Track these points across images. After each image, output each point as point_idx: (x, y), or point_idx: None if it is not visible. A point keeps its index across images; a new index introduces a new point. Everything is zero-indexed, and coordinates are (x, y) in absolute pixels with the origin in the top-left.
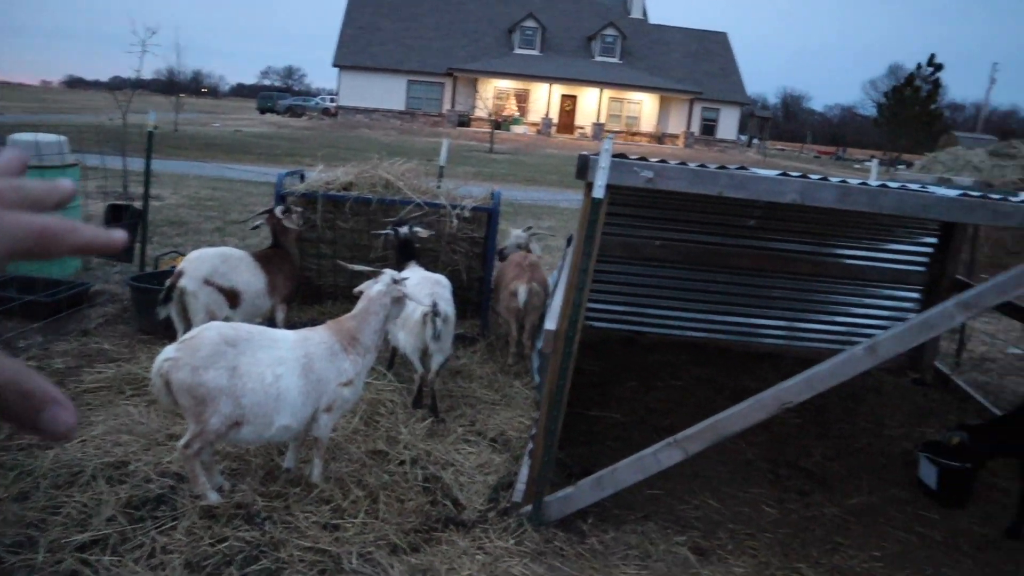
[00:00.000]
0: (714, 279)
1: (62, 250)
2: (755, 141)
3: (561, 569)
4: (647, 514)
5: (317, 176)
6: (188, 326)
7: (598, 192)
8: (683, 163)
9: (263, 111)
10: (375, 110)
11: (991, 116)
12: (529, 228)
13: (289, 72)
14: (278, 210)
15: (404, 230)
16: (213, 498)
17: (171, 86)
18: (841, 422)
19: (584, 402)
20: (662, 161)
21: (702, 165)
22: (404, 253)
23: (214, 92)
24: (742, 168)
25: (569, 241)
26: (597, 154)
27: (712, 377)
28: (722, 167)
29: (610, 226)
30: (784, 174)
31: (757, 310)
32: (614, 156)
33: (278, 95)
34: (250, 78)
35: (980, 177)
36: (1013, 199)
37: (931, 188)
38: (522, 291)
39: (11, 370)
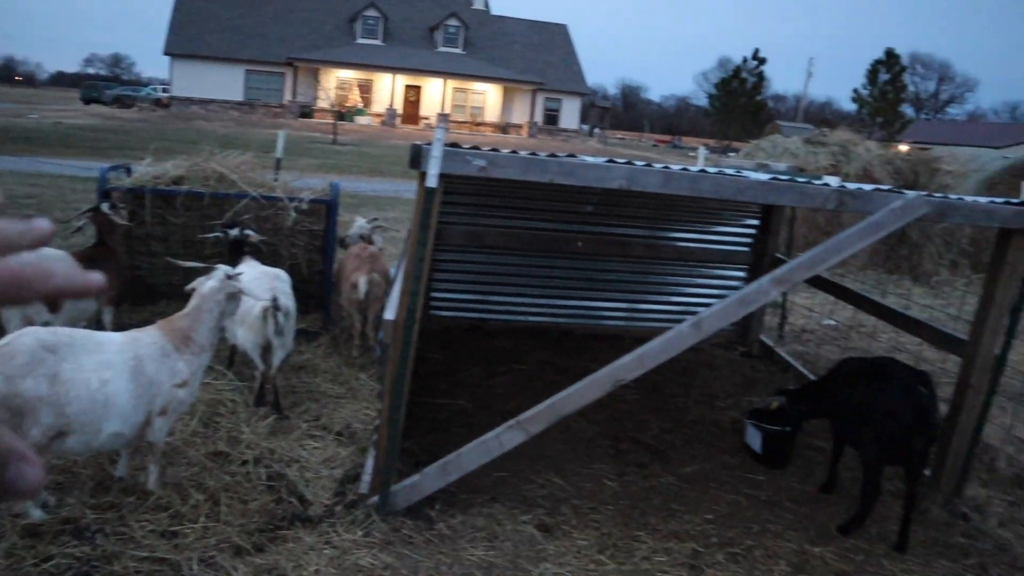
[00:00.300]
0: (555, 264)
1: (33, 296)
2: (596, 130)
3: (410, 556)
4: (494, 496)
5: (145, 170)
6: (0, 334)
7: (431, 181)
8: (515, 151)
9: (88, 101)
10: (211, 101)
11: (809, 107)
12: (374, 220)
13: (116, 60)
14: (105, 206)
15: (234, 232)
16: (36, 515)
17: None
18: (676, 396)
19: (430, 391)
20: (494, 149)
21: (533, 153)
22: (237, 252)
23: (30, 80)
24: (571, 156)
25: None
26: (430, 143)
27: (555, 360)
28: (552, 155)
29: (452, 215)
30: (611, 161)
31: (597, 293)
32: (447, 145)
33: (104, 85)
34: (72, 66)
35: (795, 163)
36: (817, 182)
37: (746, 173)
38: (362, 282)
39: None
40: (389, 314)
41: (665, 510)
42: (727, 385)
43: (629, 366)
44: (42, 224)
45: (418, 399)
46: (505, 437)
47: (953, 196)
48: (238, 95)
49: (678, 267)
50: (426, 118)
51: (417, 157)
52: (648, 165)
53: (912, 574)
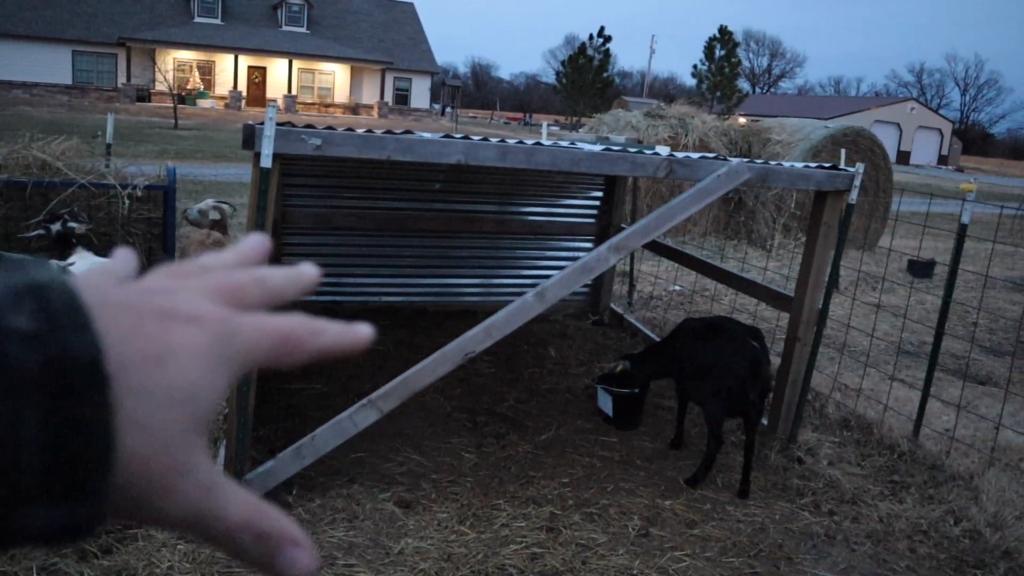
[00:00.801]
0: (406, 243)
1: (302, 356)
2: (448, 109)
3: None
4: (352, 477)
5: None
6: None
7: (265, 162)
8: (351, 129)
9: None
10: (36, 84)
11: (654, 83)
12: (221, 201)
13: None
14: None
15: (57, 227)
16: None
17: None
18: (531, 367)
19: (285, 376)
20: (329, 128)
21: (369, 130)
22: (65, 245)
23: None
24: (408, 132)
25: None
26: (262, 123)
27: (410, 339)
28: (389, 132)
29: (298, 198)
30: (448, 136)
31: (450, 270)
32: (280, 124)
33: None
34: None
35: (636, 136)
36: (648, 151)
37: (580, 145)
38: None
39: (248, 509)
40: None
41: (523, 477)
42: (580, 353)
43: (477, 338)
44: (309, 270)
45: (272, 385)
46: (358, 416)
47: (774, 162)
48: (66, 78)
49: (527, 241)
50: (273, 100)
51: (250, 137)
52: (485, 139)
53: (755, 517)
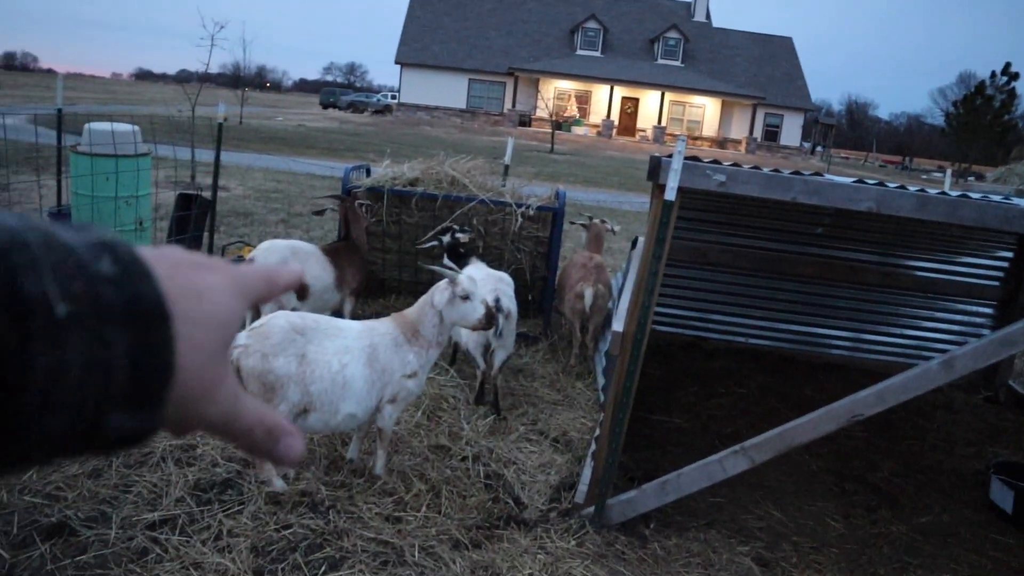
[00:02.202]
0: (780, 286)
1: (278, 291)
2: (819, 148)
3: (623, 573)
4: (710, 522)
5: (383, 171)
6: (256, 315)
7: (670, 194)
8: (756, 167)
9: (326, 106)
10: (436, 108)
11: None
12: (604, 221)
13: (351, 68)
14: (358, 202)
15: (447, 238)
16: (278, 485)
17: (236, 80)
18: (910, 438)
19: (647, 406)
20: (734, 165)
21: (775, 170)
22: (455, 255)
23: (277, 87)
24: (817, 174)
25: (634, 243)
26: (669, 156)
27: (775, 386)
28: (796, 172)
29: (677, 230)
30: (860, 181)
31: (822, 319)
32: (686, 159)
33: (340, 91)
34: (313, 74)
35: None
36: None
37: (1015, 200)
38: (588, 294)
39: (258, 409)
40: (618, 326)
41: (897, 561)
42: (968, 432)
43: (868, 401)
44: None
45: (634, 413)
46: (728, 463)
47: None
48: (461, 103)
49: (913, 298)
50: (642, 130)
51: (656, 169)
52: (901, 187)
53: None
